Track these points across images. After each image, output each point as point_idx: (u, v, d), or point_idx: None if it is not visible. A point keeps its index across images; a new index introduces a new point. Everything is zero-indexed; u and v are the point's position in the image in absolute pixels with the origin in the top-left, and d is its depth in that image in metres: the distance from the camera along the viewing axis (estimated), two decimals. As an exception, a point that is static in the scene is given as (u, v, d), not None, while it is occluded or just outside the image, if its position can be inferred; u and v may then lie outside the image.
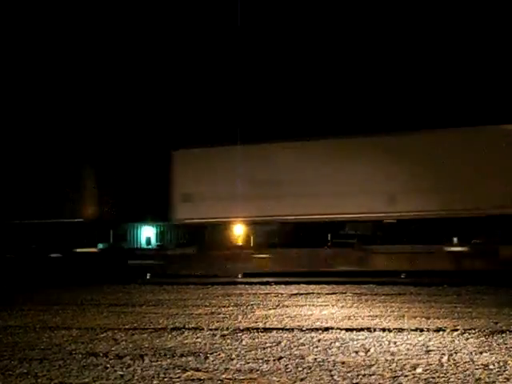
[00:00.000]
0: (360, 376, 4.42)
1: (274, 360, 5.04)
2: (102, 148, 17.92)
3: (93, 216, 16.95)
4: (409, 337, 6.04)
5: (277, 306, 9.04)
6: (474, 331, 6.28)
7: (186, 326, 7.06)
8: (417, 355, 5.12)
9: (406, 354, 5.16)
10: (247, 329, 6.75)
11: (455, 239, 14.38)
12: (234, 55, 23.33)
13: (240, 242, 16.45)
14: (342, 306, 8.80)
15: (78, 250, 17.05)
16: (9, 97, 22.97)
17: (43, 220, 16.74)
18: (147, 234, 18.42)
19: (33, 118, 21.44)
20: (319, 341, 5.90)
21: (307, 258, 14.68)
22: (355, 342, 5.76)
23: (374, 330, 6.45)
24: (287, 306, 8.93)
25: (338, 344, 5.69)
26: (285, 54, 24.21)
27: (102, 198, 17.23)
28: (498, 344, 5.59)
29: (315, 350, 5.46)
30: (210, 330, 6.74)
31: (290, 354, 5.26)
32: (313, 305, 9.04)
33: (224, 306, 9.02)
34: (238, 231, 17.19)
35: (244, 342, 5.90)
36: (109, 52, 24.90)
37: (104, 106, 22.74)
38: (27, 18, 25.34)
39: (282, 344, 5.76)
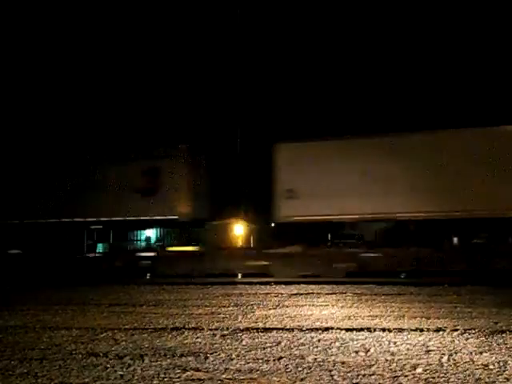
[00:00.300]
0: (360, 376, 4.43)
1: (273, 360, 5.04)
2: (198, 144, 17.22)
3: (188, 214, 16.32)
4: (409, 337, 6.04)
5: (277, 306, 9.04)
6: (473, 331, 6.28)
7: (186, 326, 7.05)
8: (417, 355, 5.13)
9: (406, 354, 5.16)
10: (247, 329, 6.75)
11: (455, 239, 14.37)
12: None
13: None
14: (342, 306, 8.79)
15: (171, 249, 16.78)
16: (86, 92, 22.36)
17: (136, 217, 16.33)
18: (147, 233, 18.41)
19: (129, 115, 20.85)
20: (319, 341, 5.90)
21: (422, 257, 13.90)
22: (355, 342, 5.76)
23: (374, 330, 6.45)
24: (287, 306, 8.93)
25: (337, 344, 5.69)
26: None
27: (198, 195, 16.55)
28: (498, 344, 5.60)
29: (315, 349, 5.46)
30: (210, 329, 6.74)
31: (290, 354, 5.26)
32: (313, 305, 9.04)
33: (224, 306, 9.01)
34: (238, 231, 17.09)
35: (244, 342, 5.90)
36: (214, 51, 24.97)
37: (204, 100, 21.98)
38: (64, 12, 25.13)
39: (282, 344, 5.76)
